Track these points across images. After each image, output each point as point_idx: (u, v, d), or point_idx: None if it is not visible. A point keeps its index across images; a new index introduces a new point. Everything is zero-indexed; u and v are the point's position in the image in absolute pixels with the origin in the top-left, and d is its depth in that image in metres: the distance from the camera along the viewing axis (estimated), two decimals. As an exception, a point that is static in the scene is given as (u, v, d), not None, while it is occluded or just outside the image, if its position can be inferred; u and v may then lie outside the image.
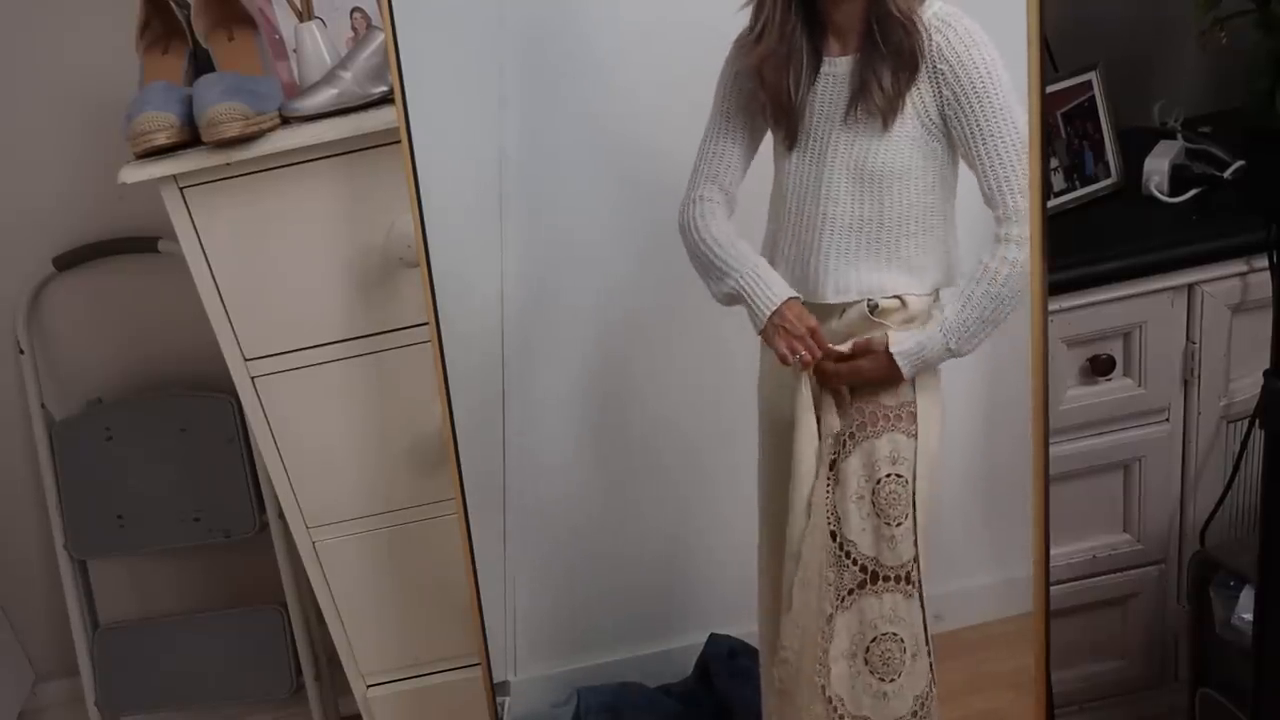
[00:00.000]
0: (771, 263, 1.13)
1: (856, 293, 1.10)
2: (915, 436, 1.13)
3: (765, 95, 1.08)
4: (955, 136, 1.05)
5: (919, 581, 1.15)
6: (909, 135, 1.06)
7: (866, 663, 1.16)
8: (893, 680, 1.16)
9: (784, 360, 1.11)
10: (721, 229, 1.13)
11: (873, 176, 1.07)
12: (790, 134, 1.09)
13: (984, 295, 1.07)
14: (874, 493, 1.13)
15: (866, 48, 1.05)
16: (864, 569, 1.15)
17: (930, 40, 1.03)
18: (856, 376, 1.11)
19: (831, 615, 1.16)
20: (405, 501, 1.44)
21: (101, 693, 1.92)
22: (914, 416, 1.12)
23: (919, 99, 1.05)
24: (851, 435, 1.14)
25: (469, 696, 1.46)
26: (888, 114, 1.05)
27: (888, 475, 1.13)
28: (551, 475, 1.33)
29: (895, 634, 1.15)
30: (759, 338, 1.14)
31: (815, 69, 1.07)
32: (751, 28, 1.08)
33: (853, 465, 1.14)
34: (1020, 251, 1.06)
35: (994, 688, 1.25)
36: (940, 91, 1.04)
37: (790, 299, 1.11)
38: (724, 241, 1.12)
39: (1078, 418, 1.48)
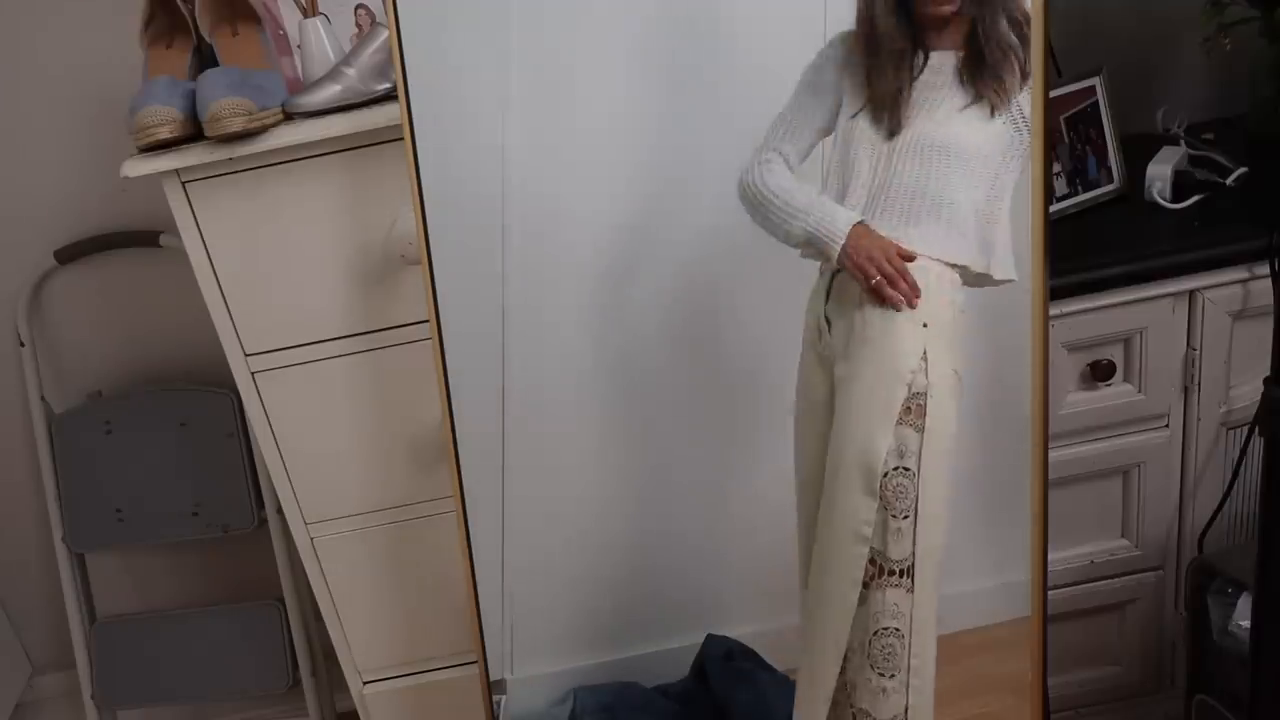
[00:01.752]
0: None
1: (930, 251, 1.13)
2: (923, 431, 1.13)
3: (875, 88, 1.13)
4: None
5: (935, 580, 1.16)
6: (998, 124, 1.11)
7: (868, 657, 1.17)
8: (893, 676, 1.16)
9: (872, 291, 1.13)
10: (781, 180, 1.16)
11: (950, 155, 1.11)
12: (894, 123, 1.13)
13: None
14: (882, 485, 1.14)
15: (971, 43, 1.10)
16: (872, 561, 1.15)
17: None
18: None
19: (850, 608, 1.17)
20: (404, 499, 1.44)
21: (98, 686, 1.92)
22: (923, 410, 1.13)
23: (1017, 102, 1.10)
24: None
25: (465, 694, 1.46)
26: (998, 104, 1.10)
27: (895, 468, 1.13)
28: (550, 474, 1.33)
29: (897, 629, 1.15)
30: (759, 335, 1.15)
31: (920, 63, 1.12)
32: (862, 25, 1.13)
33: None
34: None
35: (991, 692, 1.25)
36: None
37: (857, 223, 1.13)
38: (787, 188, 1.16)
39: (1077, 423, 1.48)
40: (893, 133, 1.13)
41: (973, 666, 1.24)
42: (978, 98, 1.10)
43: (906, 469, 1.13)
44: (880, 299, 1.12)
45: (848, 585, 1.16)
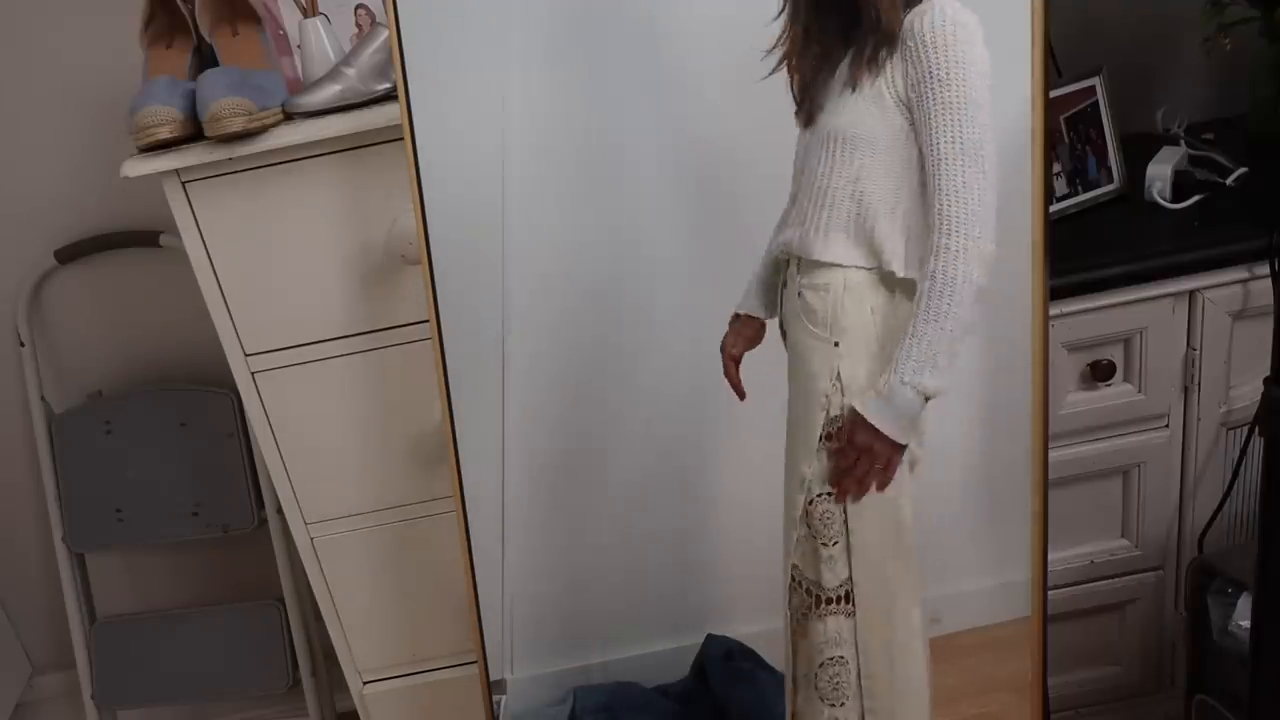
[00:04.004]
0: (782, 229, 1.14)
1: (828, 258, 1.06)
2: None
3: (796, 85, 1.10)
4: (914, 120, 1.02)
5: (884, 601, 1.11)
6: (872, 104, 1.03)
7: (816, 689, 1.13)
8: (842, 704, 1.12)
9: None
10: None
11: (841, 141, 1.04)
12: (804, 112, 1.09)
13: (923, 319, 1.01)
14: (807, 513, 1.10)
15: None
16: (809, 591, 1.11)
17: (915, 19, 1.00)
18: (863, 478, 1.07)
19: (790, 639, 1.15)
20: (404, 499, 1.44)
21: (98, 686, 1.92)
22: (844, 434, 1.07)
23: (890, 71, 1.02)
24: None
25: (465, 694, 1.46)
26: (856, 78, 1.03)
27: (819, 495, 1.09)
28: (550, 474, 1.33)
29: (841, 656, 1.11)
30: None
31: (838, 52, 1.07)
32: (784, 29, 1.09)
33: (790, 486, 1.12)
34: (947, 262, 0.99)
35: (991, 691, 1.24)
36: (907, 70, 1.00)
37: (735, 313, 1.17)
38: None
39: (1077, 423, 1.48)
40: (807, 123, 1.07)
41: (973, 666, 1.24)
42: (853, 80, 1.02)
43: (830, 494, 1.08)
44: None
45: (788, 607, 1.14)
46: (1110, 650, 1.64)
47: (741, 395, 1.20)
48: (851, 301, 1.06)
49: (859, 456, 1.06)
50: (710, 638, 1.33)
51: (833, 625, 1.10)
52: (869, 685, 1.11)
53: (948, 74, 0.98)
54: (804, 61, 1.08)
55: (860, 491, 1.07)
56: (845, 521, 1.08)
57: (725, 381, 1.24)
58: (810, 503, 1.09)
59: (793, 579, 1.12)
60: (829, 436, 1.07)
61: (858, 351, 1.06)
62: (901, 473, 1.08)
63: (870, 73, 1.02)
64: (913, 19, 1.00)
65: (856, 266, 1.06)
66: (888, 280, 1.06)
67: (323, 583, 1.48)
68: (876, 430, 1.04)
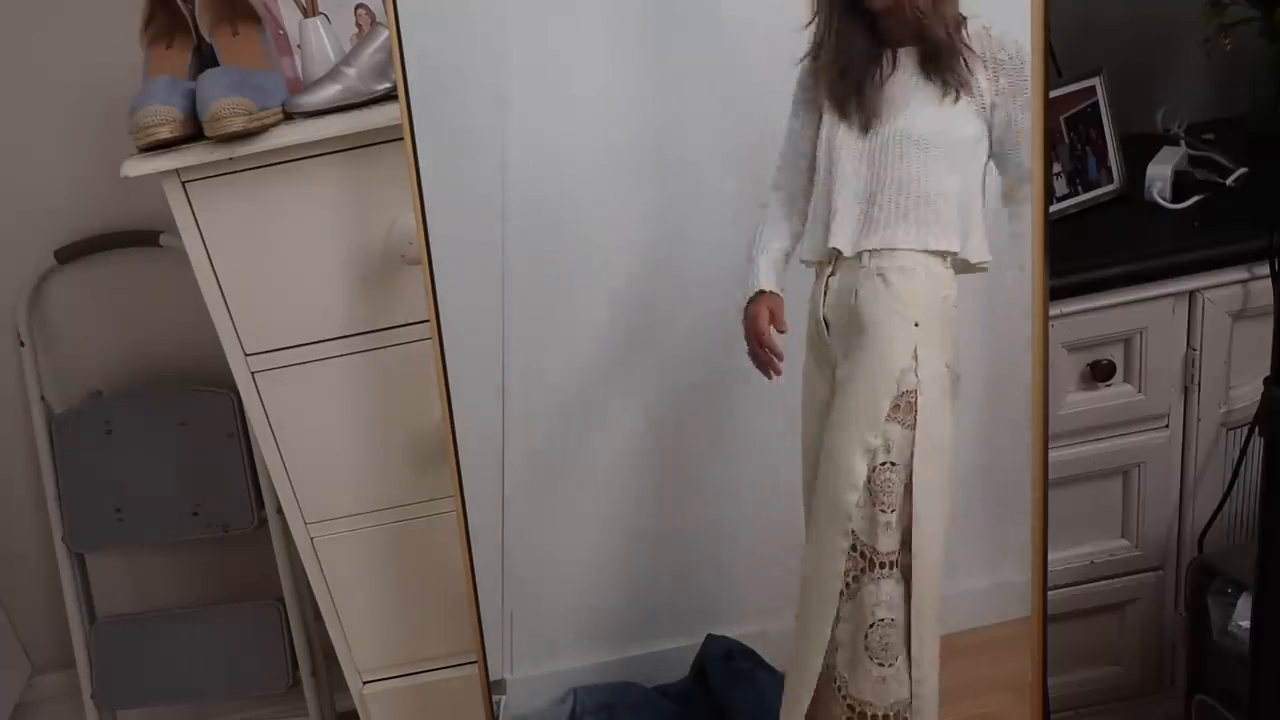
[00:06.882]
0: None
1: (915, 245, 1.15)
2: (913, 428, 1.15)
3: (836, 89, 1.16)
4: (997, 118, 1.13)
5: (933, 575, 1.17)
6: (959, 110, 1.13)
7: (866, 648, 1.19)
8: (890, 665, 1.18)
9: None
10: (761, 228, 1.21)
11: (922, 144, 1.14)
12: (864, 119, 1.16)
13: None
14: (869, 480, 1.16)
15: (922, 36, 1.13)
16: (863, 555, 1.17)
17: (988, 37, 1.11)
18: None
19: (838, 600, 1.19)
20: (404, 499, 1.44)
21: (98, 686, 1.92)
22: (913, 407, 1.14)
23: (976, 82, 1.12)
24: None
25: (465, 694, 1.46)
26: (958, 90, 1.13)
27: (882, 464, 1.15)
28: (550, 474, 1.33)
29: (892, 619, 1.18)
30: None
31: (890, 61, 1.15)
32: (816, 47, 1.15)
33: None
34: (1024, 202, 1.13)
35: (991, 692, 1.25)
36: (999, 82, 1.12)
37: (759, 291, 1.19)
38: (759, 236, 1.21)
39: (1077, 423, 1.48)
40: (865, 129, 1.15)
41: (973, 666, 1.24)
42: (942, 87, 1.13)
43: (894, 464, 1.15)
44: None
45: (830, 578, 1.19)
46: (1110, 650, 1.64)
47: (778, 368, 1.21)
48: (932, 286, 1.15)
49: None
50: (710, 638, 1.33)
51: (885, 589, 1.17)
52: (918, 653, 1.18)
53: (1025, 83, 1.11)
54: (850, 69, 1.15)
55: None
56: (907, 490, 1.15)
57: (725, 381, 1.24)
58: (874, 470, 1.16)
59: (851, 546, 1.18)
60: (898, 408, 1.15)
61: (933, 332, 1.15)
62: (953, 412, 1.16)
63: (963, 84, 1.12)
64: (985, 35, 1.11)
65: (938, 252, 1.14)
66: (959, 269, 1.16)
67: (322, 583, 1.48)
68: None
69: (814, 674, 1.22)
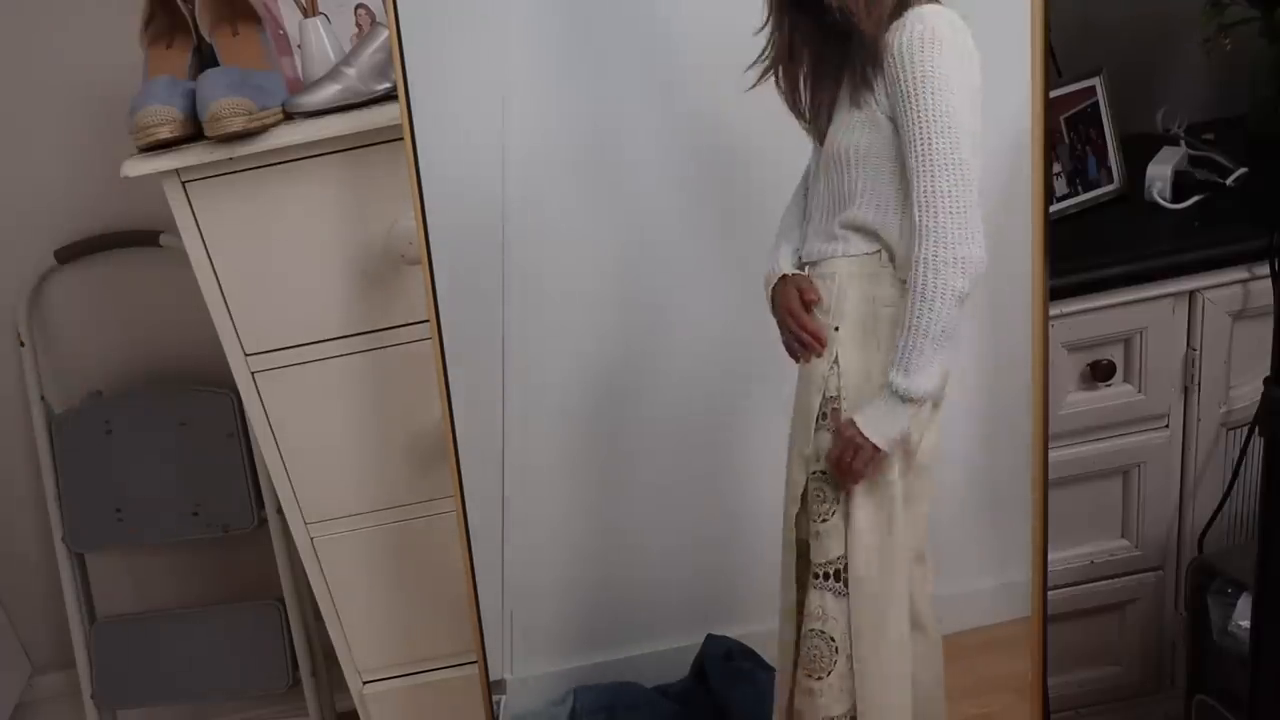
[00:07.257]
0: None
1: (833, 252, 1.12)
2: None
3: (801, 108, 1.14)
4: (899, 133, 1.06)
5: (880, 586, 1.14)
6: (869, 120, 1.07)
7: (798, 658, 1.17)
8: (819, 678, 1.16)
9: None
10: (783, 215, 1.18)
11: (848, 156, 1.09)
12: (816, 133, 1.14)
13: (904, 325, 1.05)
14: (805, 489, 1.15)
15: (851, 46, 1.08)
16: (809, 564, 1.16)
17: (891, 35, 1.04)
18: (851, 469, 1.11)
19: (792, 606, 1.19)
20: (404, 498, 1.44)
21: (98, 686, 1.92)
22: (838, 415, 1.11)
23: (877, 88, 1.06)
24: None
25: (465, 694, 1.46)
26: (856, 96, 1.08)
27: (813, 473, 1.14)
28: (550, 474, 1.33)
29: (823, 631, 1.15)
30: (762, 338, 1.16)
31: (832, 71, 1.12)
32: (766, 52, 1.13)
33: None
34: (923, 271, 1.03)
35: (991, 692, 1.25)
36: (887, 86, 1.05)
37: (782, 275, 1.15)
38: (782, 223, 1.18)
39: (1077, 423, 1.48)
40: (819, 142, 1.13)
41: (973, 666, 1.24)
42: (853, 98, 1.08)
43: (823, 472, 1.13)
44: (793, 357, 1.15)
45: (786, 587, 1.18)
46: (1110, 650, 1.64)
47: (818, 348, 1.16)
48: (853, 289, 1.11)
49: (844, 449, 1.11)
50: (710, 638, 1.33)
51: (816, 599, 1.15)
52: (860, 669, 1.15)
53: (917, 88, 1.02)
54: (799, 78, 1.13)
55: (850, 481, 1.12)
56: (838, 500, 1.13)
57: (725, 383, 1.24)
58: (807, 479, 1.14)
59: (797, 551, 1.17)
60: (824, 415, 1.13)
61: (855, 337, 1.11)
62: (893, 461, 1.12)
63: (866, 90, 1.07)
64: (890, 35, 1.04)
65: (859, 254, 1.11)
66: (891, 274, 1.10)
67: (322, 583, 1.48)
68: (860, 435, 1.10)
69: (785, 676, 1.20)
